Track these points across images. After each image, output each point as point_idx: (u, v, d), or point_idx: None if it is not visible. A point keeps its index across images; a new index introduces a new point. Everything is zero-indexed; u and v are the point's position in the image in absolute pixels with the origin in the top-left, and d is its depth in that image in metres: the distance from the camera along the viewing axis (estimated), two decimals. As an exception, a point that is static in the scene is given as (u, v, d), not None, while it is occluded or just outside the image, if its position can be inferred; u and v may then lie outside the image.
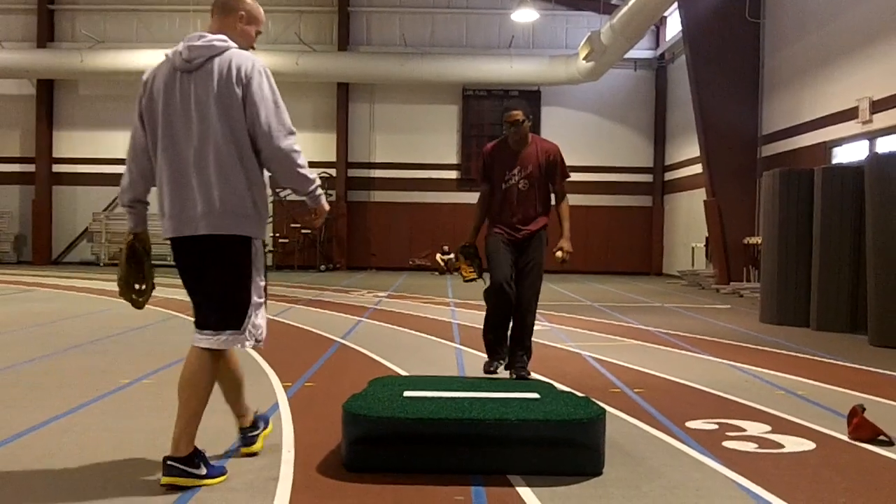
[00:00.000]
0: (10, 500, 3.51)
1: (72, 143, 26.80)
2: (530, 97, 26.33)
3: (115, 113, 26.56)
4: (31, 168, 26.59)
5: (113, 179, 26.43)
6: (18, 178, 26.88)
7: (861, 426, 4.77)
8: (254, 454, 4.20)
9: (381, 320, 10.81)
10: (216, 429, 4.76)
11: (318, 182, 3.90)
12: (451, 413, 4.03)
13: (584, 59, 22.54)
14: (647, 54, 26.07)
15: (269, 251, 25.73)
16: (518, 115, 6.14)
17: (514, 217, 6.31)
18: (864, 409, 4.85)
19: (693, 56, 19.18)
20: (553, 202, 6.53)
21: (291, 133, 3.77)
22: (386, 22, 26.33)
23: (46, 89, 26.46)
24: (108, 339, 8.60)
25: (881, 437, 4.72)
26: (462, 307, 13.07)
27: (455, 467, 3.93)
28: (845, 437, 4.80)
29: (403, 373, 6.73)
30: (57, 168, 26.83)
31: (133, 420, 4.97)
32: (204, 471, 3.70)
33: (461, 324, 10.59)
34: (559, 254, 6.26)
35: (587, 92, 26.08)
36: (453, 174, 26.40)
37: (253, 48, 4.00)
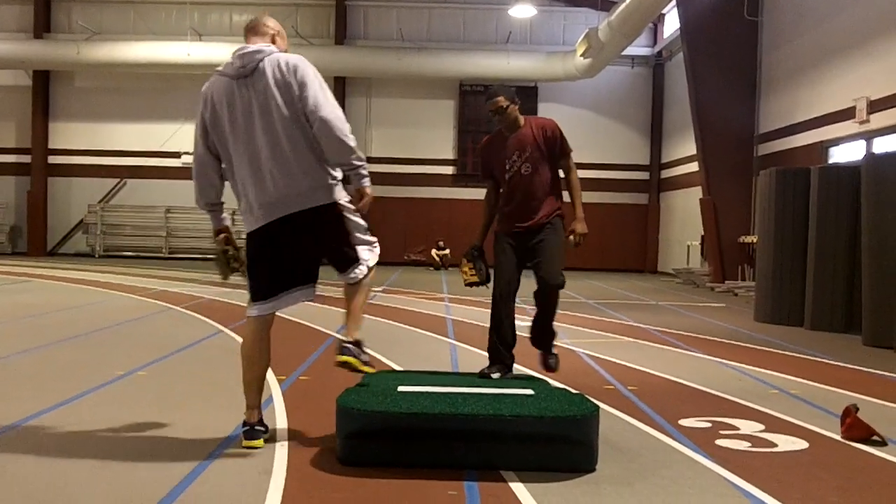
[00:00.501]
0: (2, 491, 3.50)
1: (67, 135, 26.74)
2: (527, 93, 26.32)
3: (111, 105, 26.52)
4: (26, 159, 26.52)
5: (108, 171, 26.45)
6: (14, 168, 26.82)
7: (854, 426, 4.78)
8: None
9: (375, 315, 10.80)
10: (211, 422, 4.76)
11: (364, 160, 4.26)
12: (445, 408, 4.03)
13: (582, 55, 22.53)
14: (645, 52, 26.07)
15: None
16: (500, 101, 5.87)
17: (521, 205, 5.82)
18: (857, 409, 4.86)
19: (691, 54, 19.18)
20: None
21: (336, 107, 4.17)
22: (383, 16, 26.29)
23: (42, 80, 26.38)
24: (102, 331, 8.59)
25: (874, 437, 4.72)
26: (456, 303, 13.07)
27: (449, 462, 3.93)
28: (838, 437, 4.81)
29: (398, 368, 6.73)
30: (52, 159, 26.77)
31: (126, 413, 4.96)
32: (367, 358, 4.39)
33: (455, 319, 10.59)
34: (571, 237, 5.82)
35: (584, 89, 26.07)
36: (449, 169, 26.38)
37: None
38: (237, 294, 13.55)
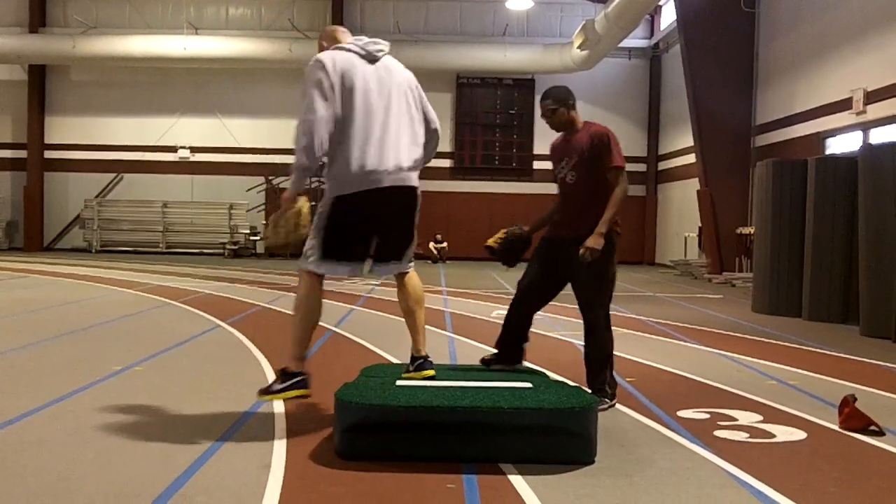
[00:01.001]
0: (2, 486, 3.50)
1: (64, 130, 26.70)
2: (524, 85, 26.31)
3: (108, 99, 26.49)
4: (22, 154, 26.49)
5: (104, 166, 26.42)
6: (10, 164, 26.79)
7: (852, 416, 4.79)
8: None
9: (373, 308, 10.80)
10: (209, 416, 4.76)
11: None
12: (443, 401, 4.03)
13: (579, 47, 22.50)
14: (642, 43, 26.06)
15: (261, 239, 25.71)
16: (546, 104, 5.53)
17: (564, 215, 5.57)
18: (855, 399, 4.87)
19: (688, 46, 19.16)
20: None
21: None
22: (380, 9, 26.26)
23: (38, 75, 26.35)
24: (99, 326, 8.58)
25: (872, 428, 4.73)
26: (454, 296, 13.07)
27: (447, 455, 3.94)
28: (836, 427, 4.82)
29: (396, 361, 6.72)
30: (49, 154, 26.74)
31: (125, 407, 4.95)
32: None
33: (453, 312, 10.59)
34: (581, 251, 5.33)
35: (581, 81, 25.97)
36: (447, 162, 26.36)
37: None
38: (233, 289, 13.55)
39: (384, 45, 4.77)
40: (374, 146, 4.57)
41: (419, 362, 4.86)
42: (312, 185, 4.64)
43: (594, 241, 5.26)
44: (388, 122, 4.62)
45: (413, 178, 4.74)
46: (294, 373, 4.57)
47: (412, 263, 4.96)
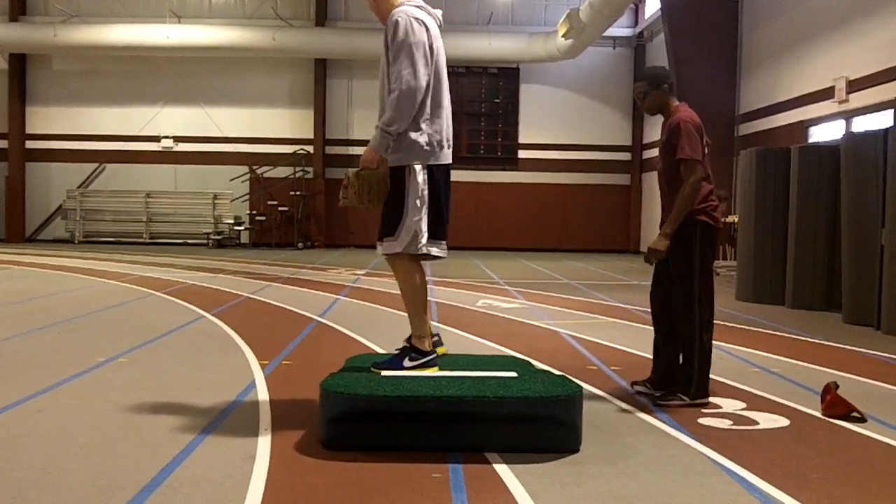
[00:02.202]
0: (-16, 480, 3.48)
1: (45, 119, 26.49)
2: (509, 74, 26.28)
3: (90, 88, 26.28)
4: (3, 144, 26.26)
5: (87, 156, 26.24)
6: (-9, 154, 26.57)
7: (835, 403, 4.83)
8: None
9: (359, 298, 10.80)
10: (194, 408, 4.75)
11: None
12: (428, 391, 4.03)
13: (563, 36, 22.49)
14: (626, 32, 26.05)
15: (246, 229, 25.65)
16: (638, 86, 5.31)
17: (662, 204, 5.34)
18: (837, 387, 4.91)
19: (672, 34, 19.18)
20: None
21: None
22: (364, -3, 26.11)
23: (19, 64, 26.09)
24: (83, 318, 8.54)
25: (854, 414, 4.77)
26: (440, 285, 13.07)
27: (433, 445, 3.94)
28: (819, 414, 4.85)
29: (381, 351, 6.72)
30: (30, 144, 26.52)
31: (108, 399, 4.94)
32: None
33: (439, 302, 10.59)
34: (645, 250, 5.14)
35: (566, 69, 26.05)
36: (432, 152, 26.28)
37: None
38: (218, 280, 13.51)
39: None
40: (448, 119, 4.62)
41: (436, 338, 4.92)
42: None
43: (657, 243, 5.03)
44: (448, 95, 4.65)
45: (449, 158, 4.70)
46: (425, 351, 4.63)
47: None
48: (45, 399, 4.92)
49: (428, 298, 4.75)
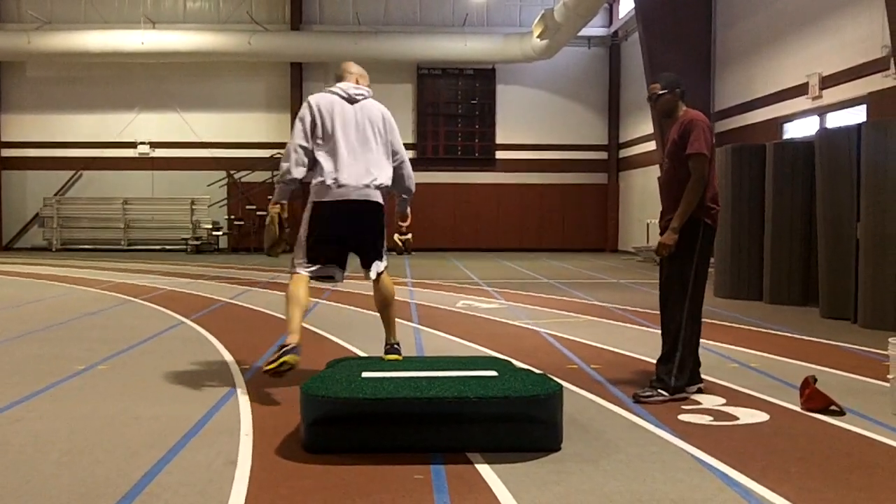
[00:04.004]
0: (-38, 491, 3.45)
1: (21, 127, 26.29)
2: (485, 75, 26.33)
3: (65, 95, 26.11)
4: (-22, 153, 26.05)
5: (63, 163, 26.05)
6: (-35, 163, 26.33)
7: (813, 397, 4.86)
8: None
9: (339, 301, 10.78)
10: (174, 414, 4.73)
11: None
12: (409, 392, 4.03)
13: (538, 36, 22.56)
14: (601, 32, 26.17)
15: (225, 234, 25.52)
16: (656, 86, 5.41)
17: (663, 203, 5.44)
18: (815, 380, 4.95)
19: (646, 33, 19.28)
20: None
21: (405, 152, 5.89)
22: (339, 0, 26.09)
23: (-8, 71, 25.89)
24: (61, 325, 8.48)
25: (832, 408, 4.81)
26: (419, 287, 13.07)
27: (414, 446, 3.94)
28: (798, 408, 4.89)
29: (362, 353, 6.72)
30: (5, 152, 26.33)
31: (88, 407, 4.91)
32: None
33: (419, 303, 10.59)
34: (656, 248, 5.27)
35: (542, 70, 26.13)
36: (409, 153, 26.29)
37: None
38: (196, 285, 13.46)
39: (364, 91, 5.76)
40: (346, 166, 5.49)
41: (388, 347, 5.72)
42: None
43: (666, 237, 5.15)
44: (357, 149, 5.55)
45: (376, 196, 5.56)
46: (285, 344, 5.17)
47: (385, 265, 5.76)
48: (24, 408, 4.88)
49: (303, 306, 5.49)
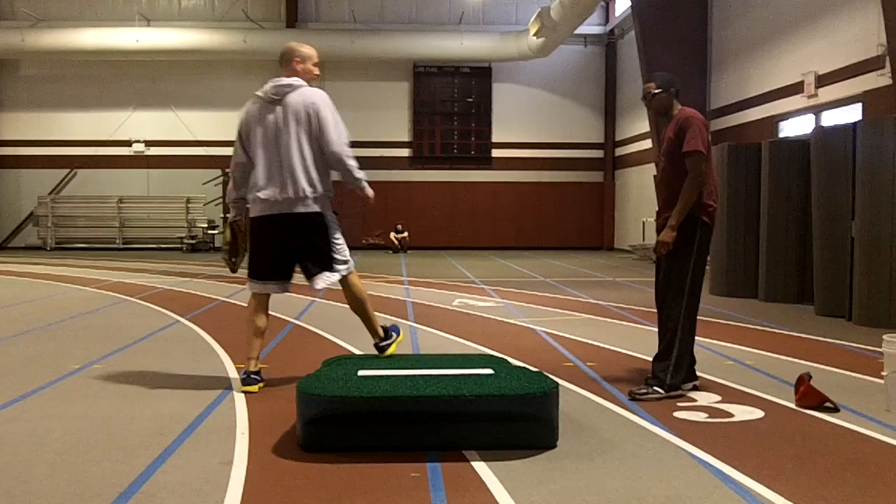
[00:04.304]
0: (-42, 490, 3.45)
1: (16, 125, 26.23)
2: (481, 74, 26.33)
3: (59, 93, 26.05)
4: (-28, 151, 26.00)
5: (59, 161, 26.01)
6: (-40, 161, 26.28)
7: (808, 394, 4.88)
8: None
9: (335, 300, 10.77)
10: (170, 413, 4.73)
11: (364, 177, 5.50)
12: (405, 391, 4.04)
13: (535, 35, 22.56)
14: (597, 30, 26.18)
15: (220, 233, 25.46)
16: (650, 85, 5.40)
17: (659, 202, 5.44)
18: (810, 377, 4.96)
19: (642, 31, 19.29)
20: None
21: (343, 142, 5.36)
22: (335, -2, 26.08)
23: (-14, 70, 25.84)
24: (56, 325, 8.47)
25: (827, 405, 4.82)
26: (416, 285, 13.07)
27: (411, 444, 3.95)
28: (793, 405, 4.91)
29: (358, 352, 6.72)
30: (0, 151, 26.25)
31: (83, 406, 4.90)
32: (393, 337, 5.64)
33: (415, 302, 10.59)
34: (655, 244, 5.31)
35: (538, 68, 26.13)
36: (406, 152, 26.32)
37: (317, 76, 5.63)
38: (193, 284, 13.44)
39: (291, 82, 5.38)
40: (268, 179, 5.31)
41: (377, 347, 5.59)
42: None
43: (664, 235, 5.16)
44: (280, 157, 5.30)
45: (305, 205, 5.31)
46: (245, 371, 5.37)
47: (346, 267, 5.50)
48: (19, 407, 4.88)
49: (258, 331, 5.48)
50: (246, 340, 5.47)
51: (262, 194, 5.30)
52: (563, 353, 6.83)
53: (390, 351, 5.55)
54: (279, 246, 5.39)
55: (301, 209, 5.30)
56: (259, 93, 5.43)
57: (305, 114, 5.29)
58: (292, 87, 5.36)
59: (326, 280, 5.43)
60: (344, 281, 5.53)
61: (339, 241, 5.52)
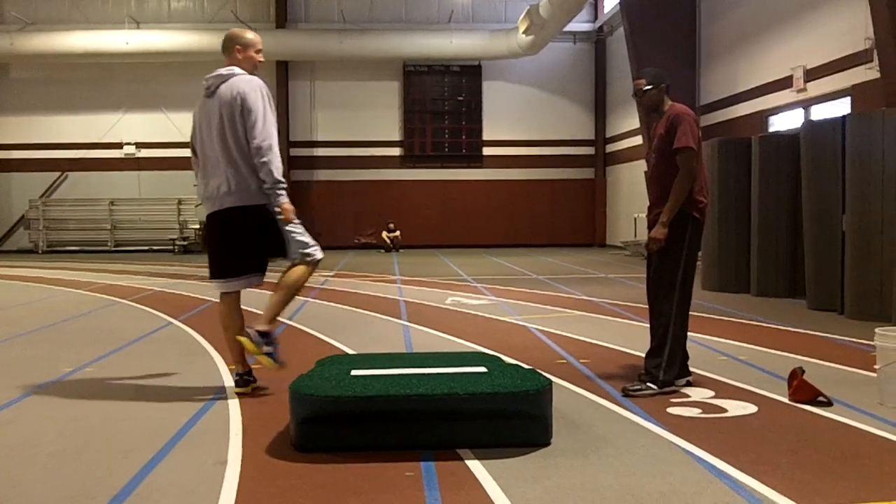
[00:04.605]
0: (-49, 495, 3.44)
1: (6, 129, 26.12)
2: (471, 72, 26.32)
3: (49, 96, 25.94)
4: (-37, 155, 25.89)
5: (48, 164, 25.92)
6: (-50, 165, 26.16)
7: (801, 388, 4.89)
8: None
9: (327, 300, 10.77)
10: (164, 415, 4.72)
11: (283, 184, 5.08)
12: (399, 390, 4.03)
13: (524, 32, 22.56)
14: (586, 27, 26.19)
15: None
16: (641, 82, 5.39)
17: (650, 197, 5.45)
18: (803, 372, 4.97)
19: (631, 28, 19.31)
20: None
21: (268, 136, 5.04)
22: (324, -2, 26.04)
23: (-25, 74, 25.72)
24: (49, 328, 8.45)
25: (820, 399, 4.84)
26: (408, 284, 13.07)
27: (405, 443, 3.95)
28: (786, 400, 4.92)
29: (351, 351, 6.72)
30: (-10, 154, 26.18)
31: (77, 409, 4.89)
32: (270, 349, 5.10)
33: (408, 301, 10.59)
34: (647, 241, 5.33)
35: (528, 66, 26.13)
36: (397, 151, 26.30)
37: (261, 63, 5.46)
38: (185, 286, 13.42)
39: (223, 72, 5.21)
40: (204, 176, 5.21)
41: (250, 333, 5.12)
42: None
43: (656, 231, 5.18)
44: (213, 152, 5.13)
45: (242, 200, 5.08)
46: (238, 374, 5.31)
47: (306, 252, 5.20)
48: (12, 410, 4.86)
49: (231, 332, 5.27)
50: (227, 346, 5.37)
51: (204, 192, 5.20)
52: (557, 350, 6.84)
53: (255, 351, 5.04)
54: (228, 243, 5.20)
55: (239, 203, 5.09)
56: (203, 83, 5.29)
57: (232, 105, 5.06)
58: (222, 78, 5.19)
59: (256, 280, 5.28)
60: (298, 265, 5.25)
61: (295, 229, 5.21)
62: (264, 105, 5.08)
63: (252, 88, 5.09)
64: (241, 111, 5.03)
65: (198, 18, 25.65)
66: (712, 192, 11.69)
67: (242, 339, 5.06)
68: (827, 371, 5.83)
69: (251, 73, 5.30)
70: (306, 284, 5.35)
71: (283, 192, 5.10)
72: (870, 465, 3.71)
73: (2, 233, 26.57)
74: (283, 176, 5.06)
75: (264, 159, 4.99)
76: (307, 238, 5.23)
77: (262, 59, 5.45)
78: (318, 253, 5.26)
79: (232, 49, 5.36)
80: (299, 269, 5.22)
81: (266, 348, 5.05)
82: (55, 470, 3.73)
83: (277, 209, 5.09)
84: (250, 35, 5.42)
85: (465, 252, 23.35)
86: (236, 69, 5.24)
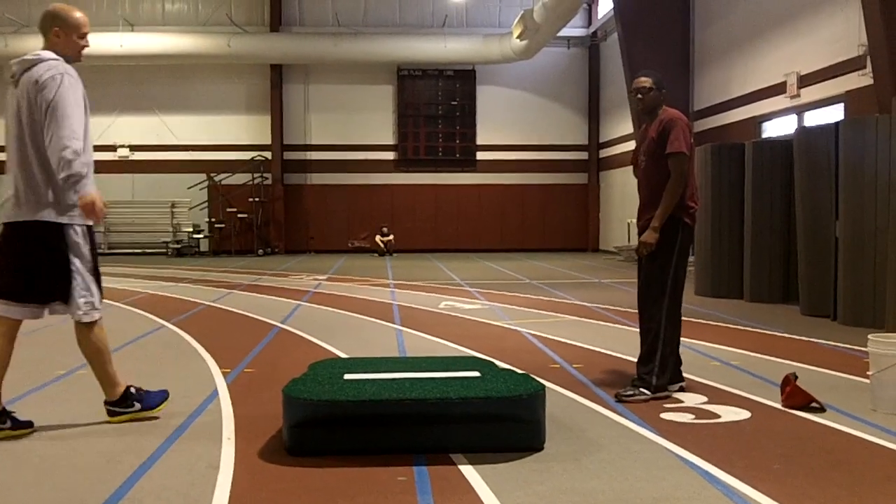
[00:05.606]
0: (-59, 498, 3.42)
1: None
2: (465, 76, 26.34)
3: (42, 98, 25.81)
4: (-46, 157, 25.78)
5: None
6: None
7: (794, 394, 4.89)
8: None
9: (320, 303, 10.75)
10: (155, 420, 4.70)
11: (77, 173, 4.19)
12: (392, 394, 4.03)
13: (518, 37, 22.58)
14: (580, 32, 26.22)
15: (206, 236, 25.39)
16: (643, 81, 5.39)
17: (641, 200, 5.43)
18: (796, 378, 4.97)
19: (625, 33, 19.34)
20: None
21: (70, 136, 4.17)
22: (318, 1, 26.01)
23: (-32, 75, 25.62)
24: (42, 330, 8.40)
25: (813, 404, 4.84)
26: (401, 288, 13.06)
27: (397, 447, 3.94)
28: (779, 406, 4.92)
29: (344, 355, 6.71)
30: (-18, 156, 26.06)
31: (70, 410, 4.87)
32: (138, 406, 4.56)
33: (401, 305, 10.58)
34: (637, 246, 5.31)
35: (522, 70, 26.15)
36: (390, 155, 26.29)
37: (85, 48, 4.64)
38: (178, 289, 13.39)
39: (25, 59, 4.35)
40: (6, 180, 4.38)
41: (111, 400, 4.62)
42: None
43: (647, 236, 5.16)
44: (9, 154, 4.37)
45: (32, 213, 4.27)
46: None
47: (86, 309, 4.53)
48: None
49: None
50: None
51: (3, 196, 4.42)
52: (550, 354, 6.84)
53: (121, 419, 4.57)
54: (13, 261, 4.33)
55: (28, 217, 4.25)
56: None
57: (30, 96, 4.23)
58: (27, 64, 4.30)
59: (62, 311, 4.50)
60: (81, 328, 4.54)
61: (83, 268, 4.42)
62: (73, 96, 4.27)
63: (53, 76, 4.21)
64: (40, 105, 4.19)
65: (192, 21, 25.61)
66: (705, 198, 11.73)
67: (112, 420, 4.54)
68: (820, 377, 5.84)
69: (70, 63, 4.46)
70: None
71: (83, 183, 4.25)
72: (862, 471, 3.71)
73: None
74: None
75: (62, 164, 4.14)
76: (94, 286, 4.53)
77: (87, 45, 4.59)
78: (94, 313, 4.52)
79: (49, 30, 4.43)
80: (85, 337, 4.56)
81: (136, 406, 4.58)
82: (45, 474, 3.71)
83: (75, 231, 4.35)
84: (77, 14, 4.51)
85: (459, 256, 23.35)
86: (45, 53, 4.33)
